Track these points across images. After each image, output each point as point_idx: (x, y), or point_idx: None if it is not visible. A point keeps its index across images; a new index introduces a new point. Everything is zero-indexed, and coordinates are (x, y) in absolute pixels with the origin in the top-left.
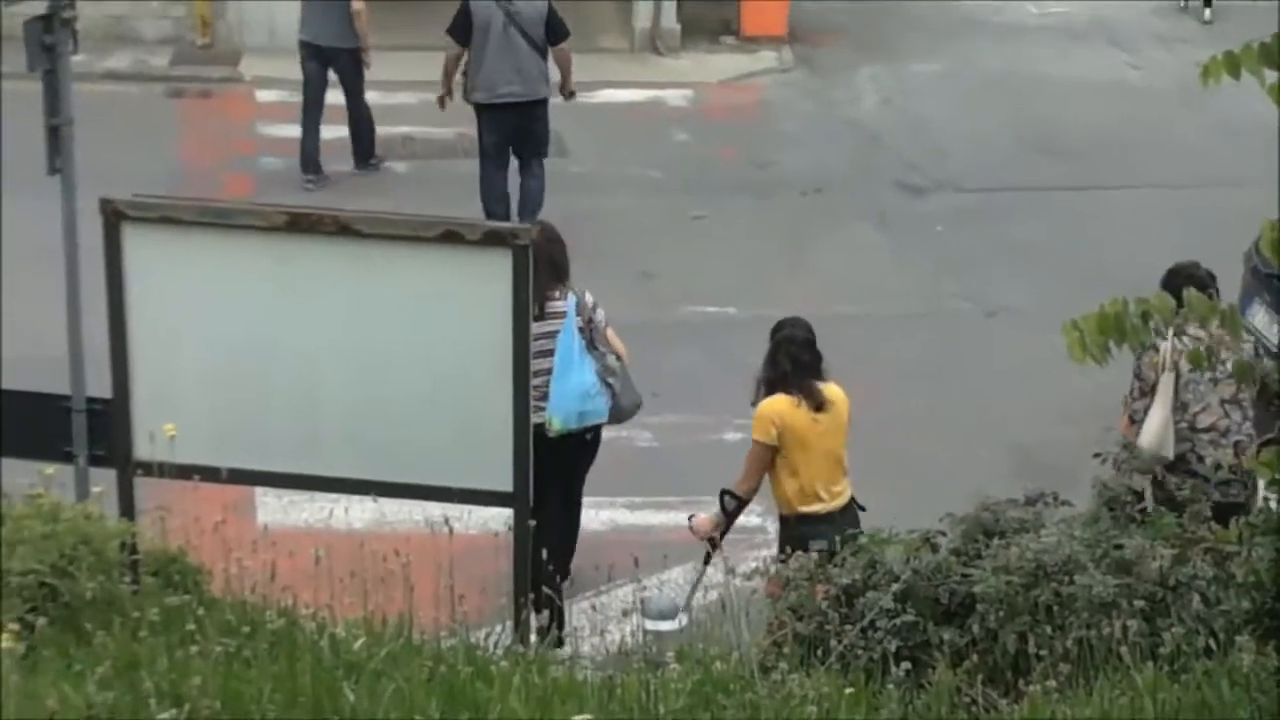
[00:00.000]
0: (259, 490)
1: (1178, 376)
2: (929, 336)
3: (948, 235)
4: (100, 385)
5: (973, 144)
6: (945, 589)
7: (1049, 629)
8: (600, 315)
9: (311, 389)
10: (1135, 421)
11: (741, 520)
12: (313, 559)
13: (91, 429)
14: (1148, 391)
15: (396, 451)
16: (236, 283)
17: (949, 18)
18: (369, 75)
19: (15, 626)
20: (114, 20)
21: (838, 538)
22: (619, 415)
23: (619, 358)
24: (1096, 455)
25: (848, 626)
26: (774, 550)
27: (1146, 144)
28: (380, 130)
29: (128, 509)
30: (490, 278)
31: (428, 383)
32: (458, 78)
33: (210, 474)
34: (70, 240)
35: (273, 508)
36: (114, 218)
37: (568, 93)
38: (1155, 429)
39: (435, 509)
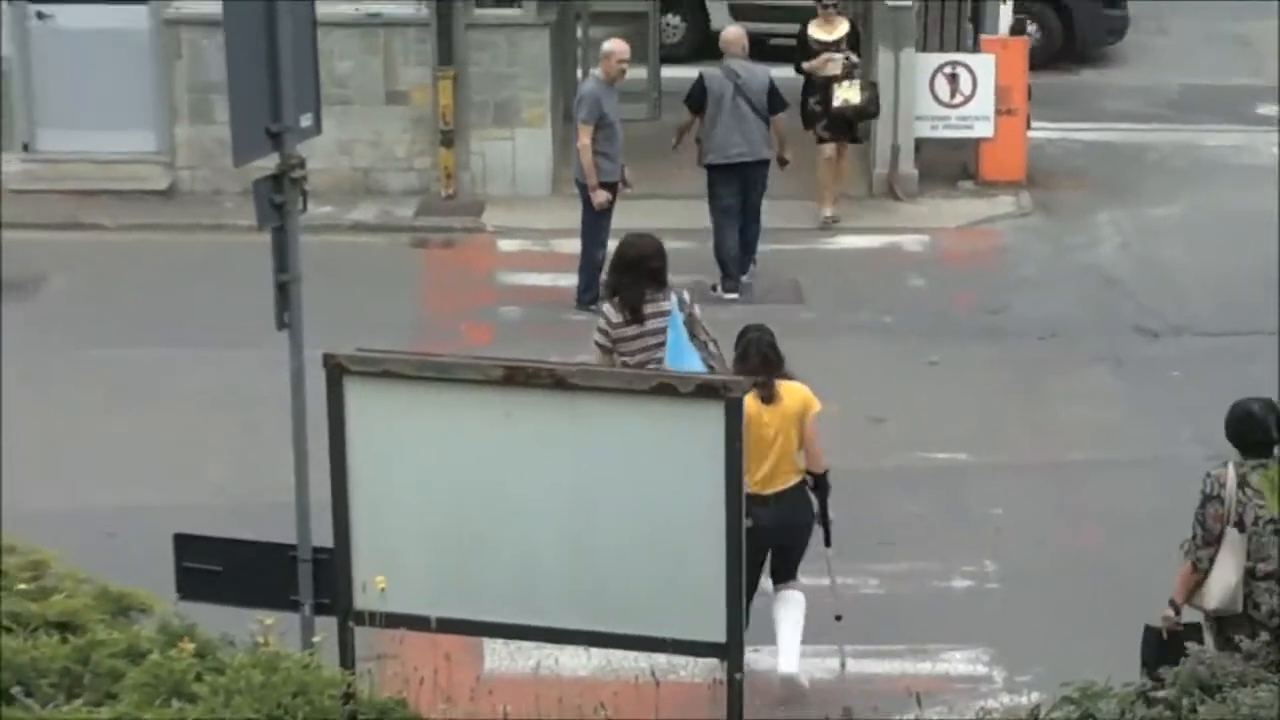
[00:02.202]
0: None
1: (1243, 528)
2: (1161, 483)
3: (1185, 380)
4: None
5: (1212, 288)
6: None
7: None
8: (698, 310)
9: (527, 539)
10: (1199, 570)
11: None
12: (529, 708)
13: (316, 578)
14: (1211, 541)
15: (610, 601)
16: (455, 434)
17: (1188, 159)
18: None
19: None
20: (361, 173)
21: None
22: None
23: (716, 345)
24: None
25: None
26: None
27: None
28: None
29: (347, 658)
30: (703, 429)
31: (642, 533)
32: (689, 139)
33: (420, 624)
34: (298, 393)
35: (500, 654)
36: (336, 371)
37: (782, 159)
38: (1229, 587)
39: (661, 658)
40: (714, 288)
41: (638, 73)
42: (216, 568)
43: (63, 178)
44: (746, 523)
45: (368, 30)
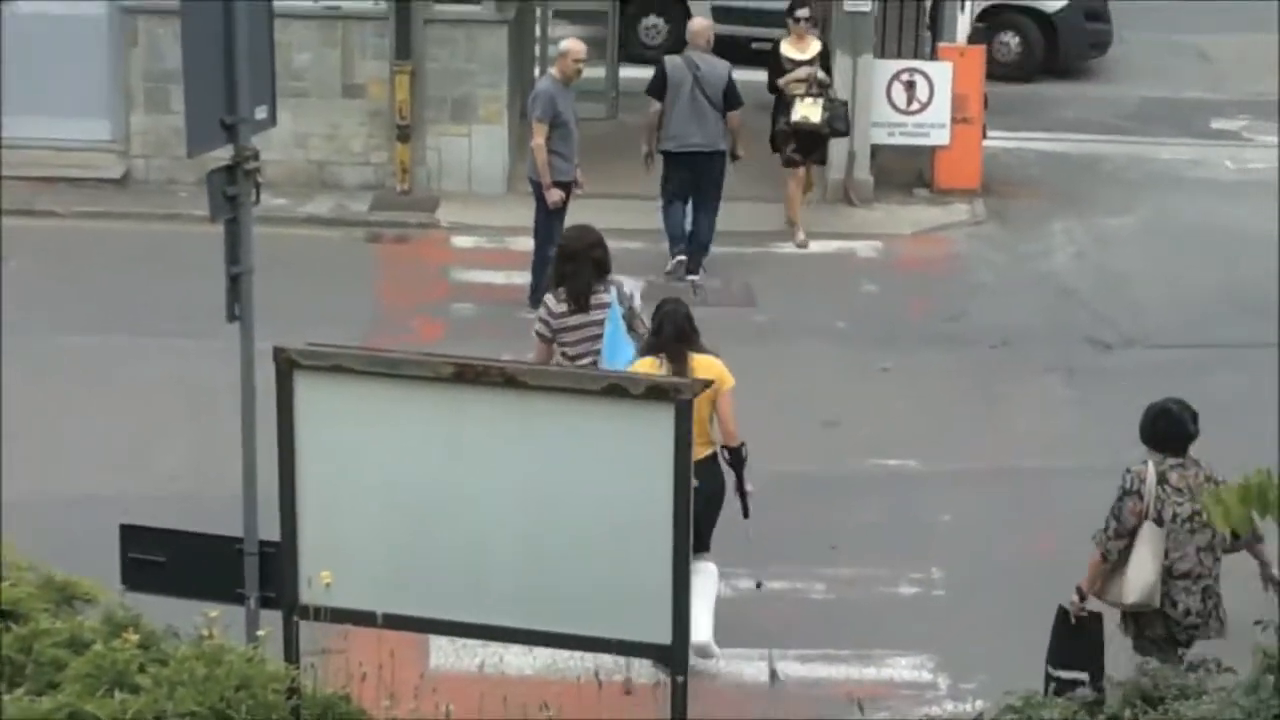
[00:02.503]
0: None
1: (1161, 523)
2: (1110, 491)
3: (1137, 391)
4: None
5: (1166, 299)
6: None
7: None
8: (638, 302)
9: (476, 537)
10: (1107, 560)
11: None
12: (473, 706)
13: (262, 572)
14: (1124, 534)
15: (557, 601)
16: (405, 431)
17: (1144, 171)
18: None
19: None
20: (317, 166)
21: None
22: None
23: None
24: (1258, 623)
25: None
26: None
27: None
28: None
29: (291, 652)
30: (652, 431)
31: (589, 533)
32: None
33: (367, 619)
34: (248, 386)
35: (446, 651)
36: (287, 365)
37: (734, 155)
38: (1149, 584)
39: (607, 658)
40: (667, 272)
41: (596, 72)
42: (162, 559)
43: (17, 164)
44: None
45: (326, 23)
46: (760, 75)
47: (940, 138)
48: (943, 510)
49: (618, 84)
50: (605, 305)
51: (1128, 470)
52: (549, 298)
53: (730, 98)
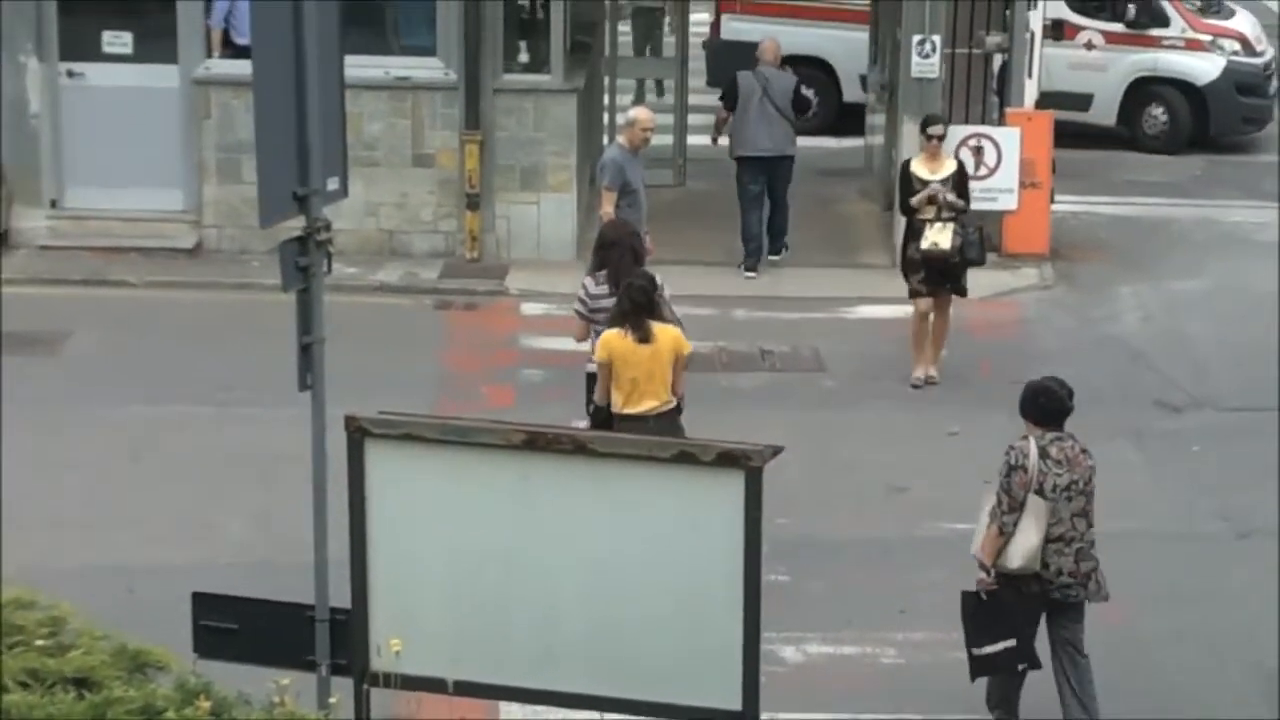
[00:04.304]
0: None
1: (1044, 495)
2: (1181, 557)
3: (1206, 454)
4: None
5: (1234, 362)
6: None
7: None
8: (667, 292)
9: (546, 603)
10: (1004, 533)
11: None
12: None
13: (333, 639)
14: (1016, 508)
15: (625, 667)
16: (475, 498)
17: (1211, 234)
18: None
19: None
20: (387, 235)
21: None
22: None
23: (679, 322)
24: None
25: None
26: None
27: None
28: None
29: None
30: (723, 497)
31: (659, 599)
32: (722, 140)
33: (437, 686)
34: (319, 454)
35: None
36: (358, 434)
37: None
38: (1031, 550)
39: None
40: (740, 266)
41: (665, 140)
42: (234, 626)
43: (90, 235)
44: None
45: (396, 93)
46: (815, 142)
47: (1008, 202)
48: None
49: (685, 151)
50: None
51: (1011, 447)
52: (588, 280)
53: (799, 103)
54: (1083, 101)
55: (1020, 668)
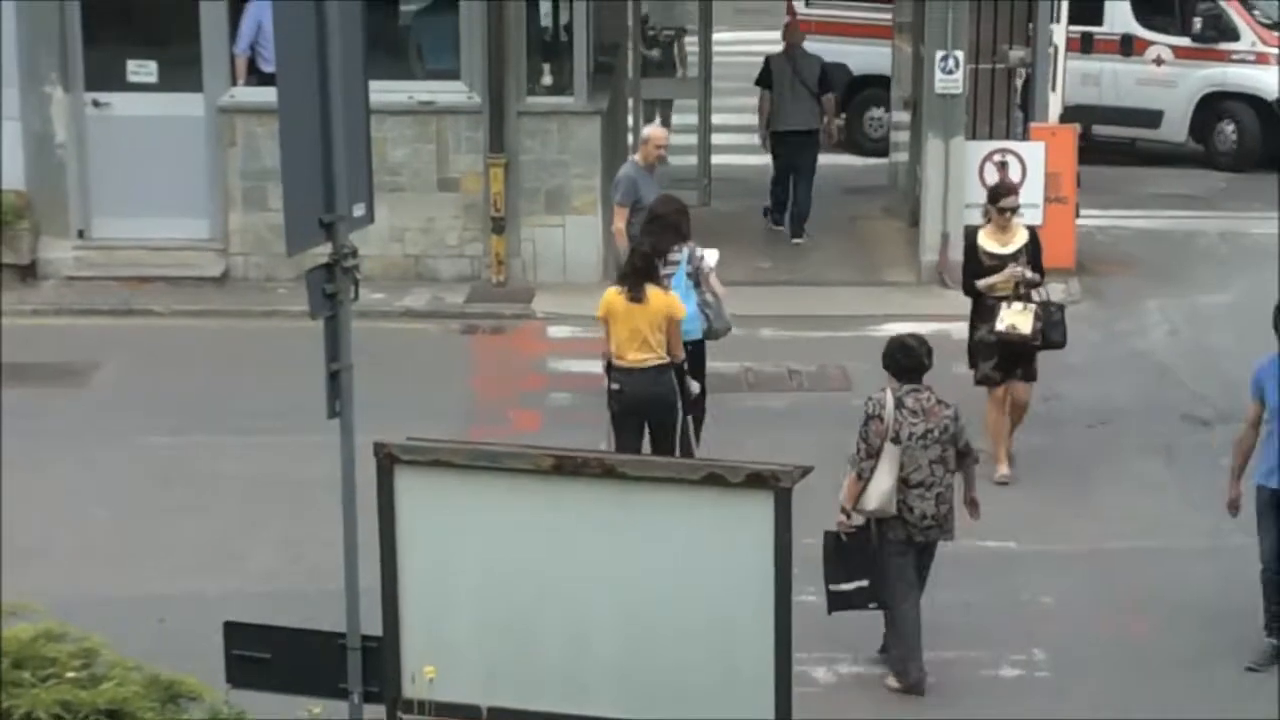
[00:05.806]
0: None
1: (898, 442)
2: (1211, 572)
3: None
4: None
5: None
6: None
7: None
8: (706, 264)
9: (578, 628)
10: (862, 479)
11: None
12: None
13: (365, 667)
14: (873, 454)
15: (657, 690)
16: (505, 523)
17: (1237, 247)
18: None
19: None
20: (413, 260)
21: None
22: (712, 335)
23: (715, 295)
24: None
25: None
26: None
27: None
28: None
29: None
30: (753, 519)
31: (690, 622)
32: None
33: (471, 713)
34: (348, 481)
35: None
36: (388, 461)
37: (831, 129)
38: (885, 492)
39: None
40: (764, 212)
41: (689, 159)
42: (266, 655)
43: (117, 264)
44: (615, 385)
45: (420, 118)
46: (840, 160)
47: (1034, 217)
48: (1043, 592)
49: (710, 171)
50: (676, 262)
51: (869, 398)
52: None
53: (825, 82)
54: (1153, 118)
55: (871, 605)
